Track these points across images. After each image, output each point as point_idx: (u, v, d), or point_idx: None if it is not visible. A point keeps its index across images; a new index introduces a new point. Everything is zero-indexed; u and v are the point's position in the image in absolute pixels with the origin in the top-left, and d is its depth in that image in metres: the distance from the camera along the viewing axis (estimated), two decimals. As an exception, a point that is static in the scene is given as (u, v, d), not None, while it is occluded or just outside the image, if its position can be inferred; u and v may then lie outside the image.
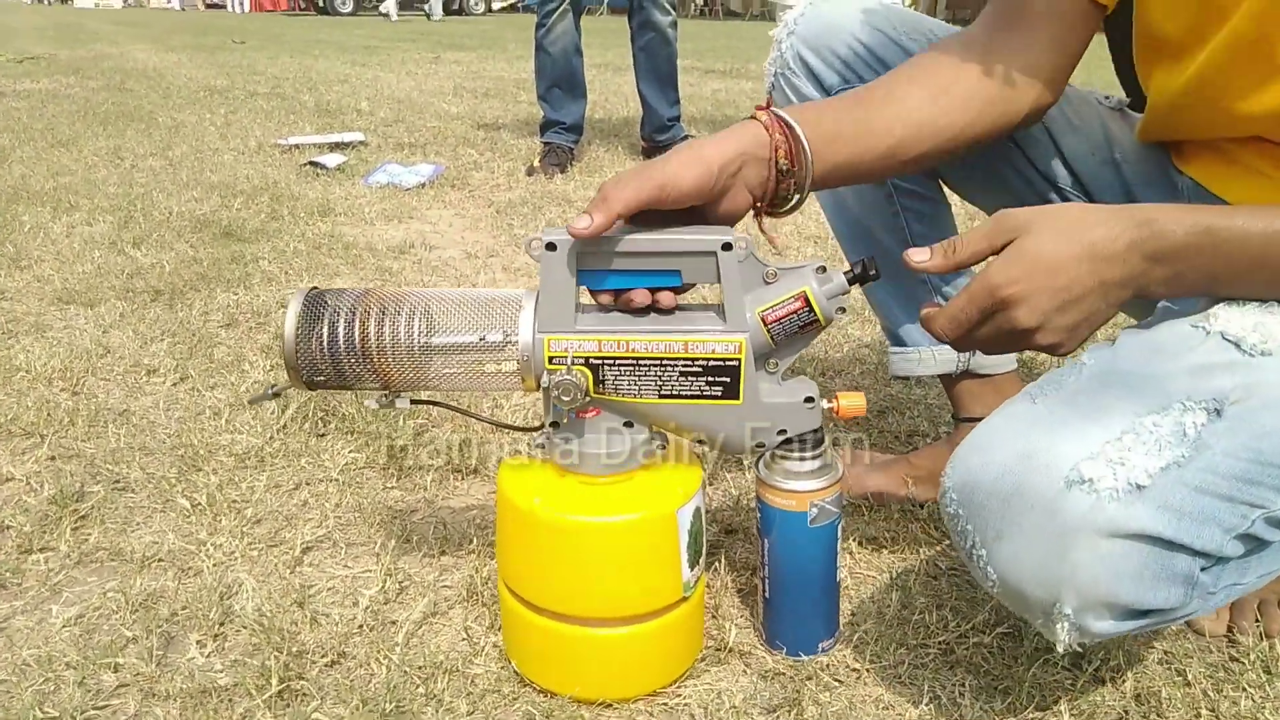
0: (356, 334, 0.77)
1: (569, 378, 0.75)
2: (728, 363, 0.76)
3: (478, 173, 3.14)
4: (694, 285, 0.79)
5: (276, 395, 0.85)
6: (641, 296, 0.76)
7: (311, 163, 3.19)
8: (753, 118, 0.79)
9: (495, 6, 17.40)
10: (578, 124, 3.21)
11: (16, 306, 1.83)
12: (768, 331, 0.76)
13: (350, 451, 1.31)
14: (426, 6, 17.49)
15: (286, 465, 1.27)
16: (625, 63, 7.46)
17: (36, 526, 1.10)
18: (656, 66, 3.29)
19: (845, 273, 0.76)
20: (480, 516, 1.15)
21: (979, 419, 1.14)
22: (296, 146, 3.54)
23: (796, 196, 0.80)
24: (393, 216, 2.57)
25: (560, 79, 3.11)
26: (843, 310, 0.77)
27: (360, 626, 0.94)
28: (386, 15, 16.83)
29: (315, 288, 0.80)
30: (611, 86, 5.84)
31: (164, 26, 14.03)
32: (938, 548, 1.08)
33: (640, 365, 0.77)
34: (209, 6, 23.57)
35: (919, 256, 0.72)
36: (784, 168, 0.78)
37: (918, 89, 0.82)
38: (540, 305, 0.76)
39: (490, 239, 2.37)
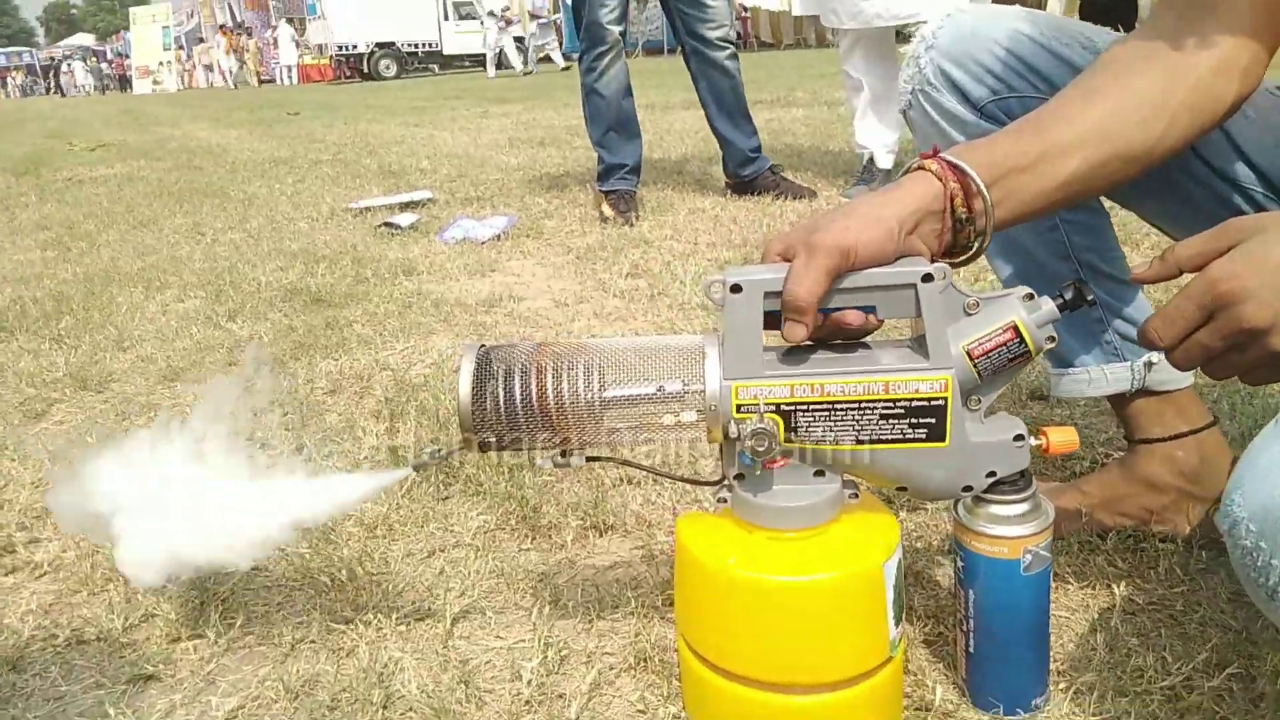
0: (533, 391, 0.73)
1: (763, 426, 0.70)
2: (933, 402, 0.70)
3: (549, 221, 3.14)
4: (882, 323, 0.74)
5: (445, 459, 0.81)
6: (855, 316, 0.71)
7: (386, 224, 3.23)
8: (920, 167, 0.74)
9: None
10: (638, 165, 3.18)
11: (126, 387, 1.85)
12: (974, 366, 0.70)
13: (479, 514, 1.27)
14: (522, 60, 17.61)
15: (417, 532, 1.24)
16: (667, 100, 7.54)
17: (181, 613, 1.08)
18: (724, 102, 3.24)
19: (1055, 299, 0.70)
20: (629, 575, 1.10)
21: (1160, 439, 1.07)
22: (368, 209, 3.58)
23: (978, 244, 0.75)
24: (475, 271, 2.57)
25: (616, 122, 3.08)
26: (1052, 340, 0.71)
27: (528, 702, 0.89)
28: (514, 69, 17.08)
29: (483, 344, 0.77)
30: (662, 125, 5.86)
31: (219, 105, 14.57)
32: (1132, 582, 1.00)
33: (836, 409, 0.71)
34: (262, 82, 24.47)
35: (1139, 270, 0.66)
36: (962, 216, 0.72)
37: (1099, 104, 0.76)
38: (726, 351, 0.71)
39: (577, 286, 2.35)
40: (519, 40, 17.82)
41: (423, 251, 2.82)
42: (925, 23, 1.03)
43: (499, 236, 2.94)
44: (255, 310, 2.29)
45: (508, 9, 17.90)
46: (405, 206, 3.57)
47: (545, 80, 14.46)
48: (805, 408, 0.71)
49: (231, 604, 1.10)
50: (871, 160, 3.06)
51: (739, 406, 0.72)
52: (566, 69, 16.39)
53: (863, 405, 0.71)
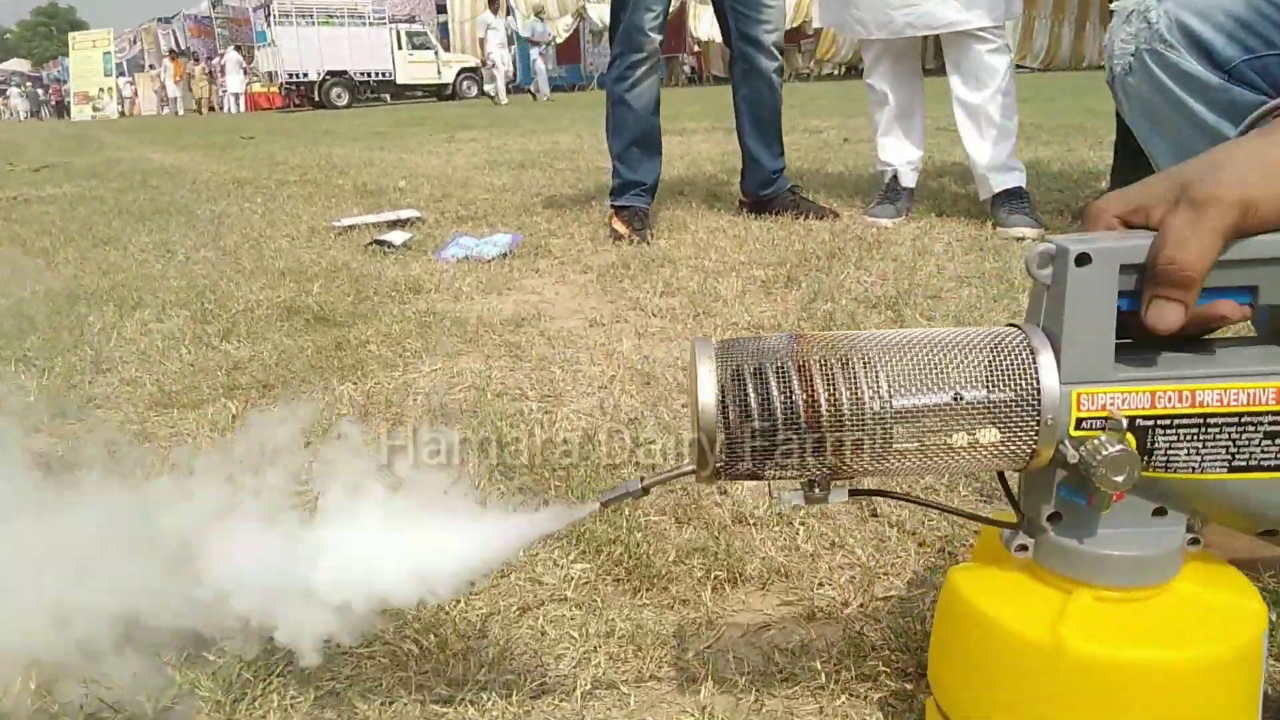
0: (800, 398, 0.54)
1: (1123, 449, 0.52)
2: (1344, 415, 0.53)
3: (556, 239, 2.95)
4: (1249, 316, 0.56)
5: (645, 492, 0.62)
6: (1231, 308, 0.53)
7: (376, 241, 3.00)
8: None
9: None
10: (655, 185, 2.99)
11: (114, 414, 1.60)
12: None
13: (570, 561, 1.06)
14: (532, 87, 17.39)
15: (499, 584, 1.03)
16: (670, 124, 7.40)
17: (227, 689, 0.85)
18: (761, 116, 3.05)
19: None
20: (789, 639, 0.90)
21: None
22: (353, 227, 3.35)
23: None
24: (489, 289, 2.36)
25: (640, 137, 2.89)
26: None
27: (717, 811, 0.69)
28: (494, 98, 16.76)
29: (722, 341, 0.58)
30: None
31: (167, 129, 14.10)
32: None
33: (1209, 425, 0.53)
34: (210, 109, 23.86)
35: None
36: None
37: None
38: (1066, 345, 0.53)
39: (608, 305, 2.16)
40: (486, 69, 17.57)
41: (425, 270, 2.60)
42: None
43: (505, 255, 2.74)
44: (251, 330, 2.05)
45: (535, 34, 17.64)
46: (394, 224, 3.35)
47: (506, 110, 14.31)
48: (1169, 423, 0.53)
49: (288, 678, 0.88)
50: (895, 178, 2.93)
51: (1079, 421, 0.53)
52: (550, 100, 16.20)
53: (1244, 420, 0.53)
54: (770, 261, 2.42)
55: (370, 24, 22.54)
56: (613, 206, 2.96)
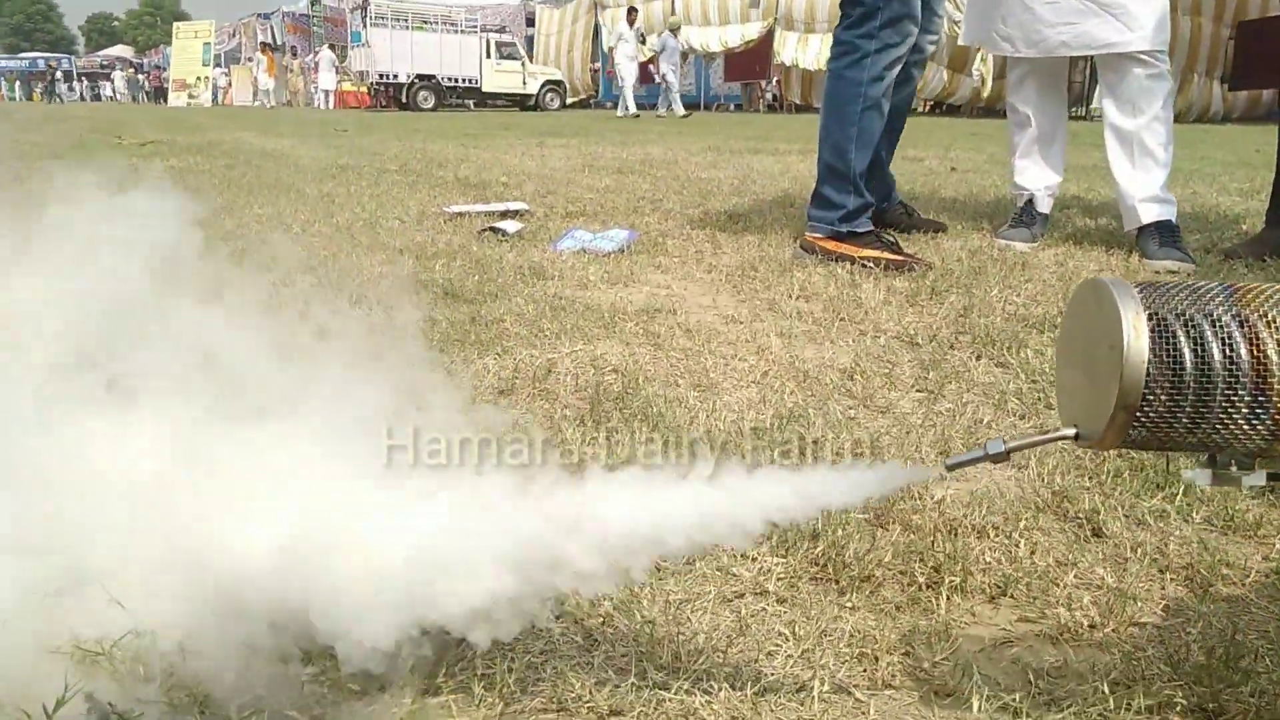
0: (1244, 357, 0.45)
1: None
2: None
3: (673, 240, 2.88)
4: None
5: (1006, 458, 0.53)
6: None
7: (491, 229, 2.97)
8: None
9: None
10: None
11: (256, 367, 1.56)
12: None
13: (767, 554, 0.98)
14: (664, 106, 16.83)
15: (687, 572, 0.95)
16: (728, 144, 7.22)
17: (414, 680, 0.78)
18: (898, 125, 2.90)
19: None
20: (1031, 658, 0.80)
21: None
22: (462, 215, 3.33)
23: None
24: (615, 280, 2.30)
25: (875, 153, 2.59)
26: None
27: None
28: (623, 110, 16.46)
29: (1142, 283, 0.49)
30: (740, 166, 5.64)
31: (261, 118, 14.50)
32: None
33: None
34: (286, 104, 24.52)
35: None
36: None
37: None
38: None
39: (740, 304, 2.08)
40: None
41: (545, 258, 2.55)
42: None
43: (622, 250, 2.68)
44: (381, 300, 2.02)
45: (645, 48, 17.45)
46: (504, 215, 3.32)
47: (591, 121, 14.40)
48: None
49: (473, 663, 0.80)
50: (1031, 202, 2.81)
51: None
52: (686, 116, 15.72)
53: None
54: (908, 274, 2.32)
55: (462, 31, 22.96)
56: (847, 231, 2.48)
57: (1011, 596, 0.91)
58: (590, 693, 0.75)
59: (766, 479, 0.64)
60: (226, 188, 4.21)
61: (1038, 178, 2.82)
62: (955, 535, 1.00)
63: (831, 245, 2.47)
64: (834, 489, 0.61)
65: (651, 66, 17.26)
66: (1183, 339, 0.46)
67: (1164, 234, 2.52)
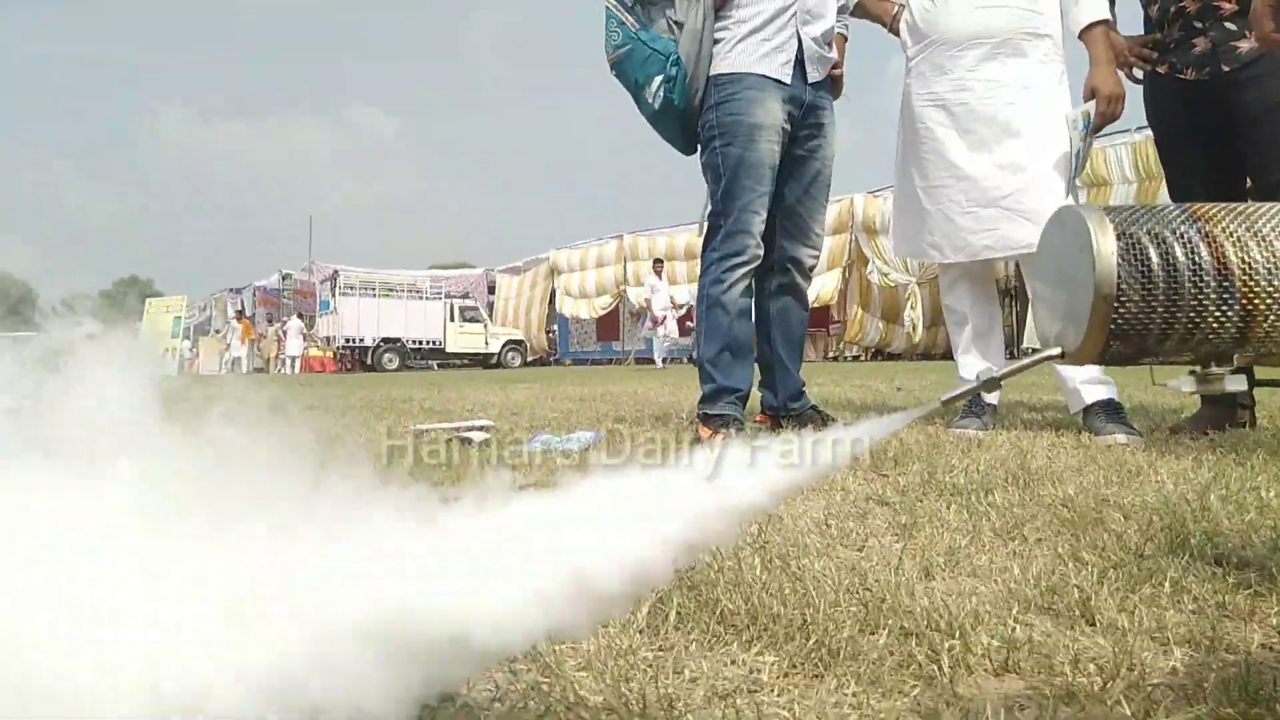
0: (1208, 263, 0.49)
1: None
2: None
3: (635, 442, 2.92)
4: None
5: (997, 385, 0.55)
6: None
7: (458, 438, 2.99)
8: None
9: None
10: (747, 395, 2.95)
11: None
12: None
13: (759, 655, 0.93)
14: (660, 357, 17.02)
15: (667, 676, 0.90)
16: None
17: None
18: (792, 331, 3.11)
19: None
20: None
21: None
22: (428, 430, 3.36)
23: None
24: (581, 469, 2.31)
25: (733, 342, 2.88)
26: None
27: None
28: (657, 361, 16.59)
29: (1107, 206, 0.54)
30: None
31: (224, 382, 14.71)
32: None
33: None
34: (257, 370, 25.08)
35: None
36: None
37: None
38: None
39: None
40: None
41: (511, 456, 2.56)
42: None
43: (586, 449, 2.71)
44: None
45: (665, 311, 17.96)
46: (471, 429, 3.36)
47: (551, 373, 14.87)
48: None
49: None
50: (978, 395, 2.93)
51: None
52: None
53: None
54: (868, 452, 2.36)
55: (427, 298, 24.19)
56: (702, 415, 2.88)
57: (1015, 671, 0.87)
58: (701, 664, 0.69)
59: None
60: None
61: (981, 370, 2.96)
62: (948, 622, 0.97)
63: (699, 429, 2.87)
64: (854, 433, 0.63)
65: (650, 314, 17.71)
66: (1148, 244, 0.50)
67: (1109, 412, 2.63)
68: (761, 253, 2.89)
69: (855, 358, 20.58)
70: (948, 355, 17.46)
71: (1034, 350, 0.60)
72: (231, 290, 34.69)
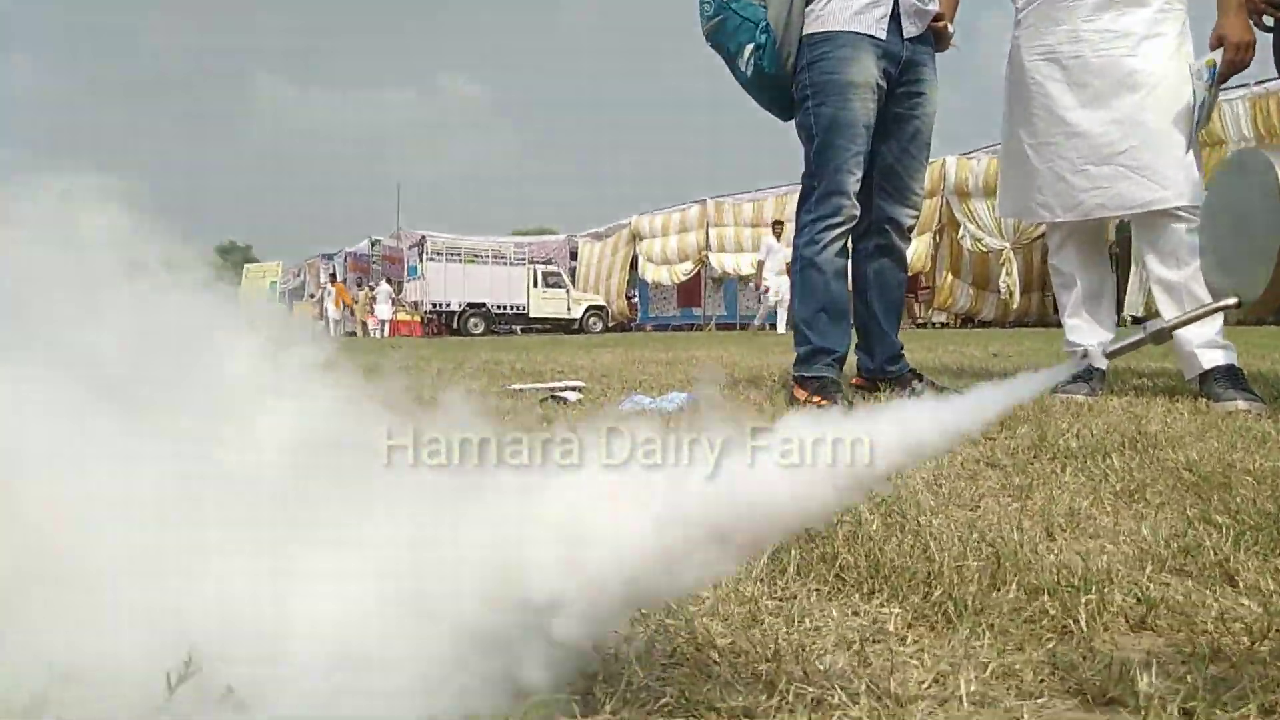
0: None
1: None
2: None
3: (729, 403, 2.92)
4: None
5: (1162, 338, 0.54)
6: None
7: (552, 397, 3.05)
8: None
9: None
10: (844, 356, 2.90)
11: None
12: None
13: (881, 606, 0.94)
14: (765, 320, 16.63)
15: (794, 626, 0.91)
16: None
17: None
18: (889, 293, 3.05)
19: None
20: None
21: None
22: (522, 390, 3.43)
23: None
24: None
25: (829, 302, 2.85)
26: None
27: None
28: (766, 325, 16.21)
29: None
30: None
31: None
32: None
33: None
34: (348, 334, 25.92)
35: None
36: None
37: None
38: None
39: (810, 440, 2.08)
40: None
41: (613, 416, 2.60)
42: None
43: (682, 410, 2.72)
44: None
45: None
46: (564, 389, 3.41)
47: (632, 337, 14.94)
48: None
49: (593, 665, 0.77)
50: (1085, 358, 2.83)
51: None
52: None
53: None
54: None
55: (511, 264, 24.52)
56: (797, 376, 2.86)
57: (1153, 628, 0.85)
58: (721, 693, 0.71)
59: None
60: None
61: (1090, 334, 2.87)
62: (1081, 578, 0.95)
63: (794, 390, 2.86)
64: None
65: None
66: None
67: (1229, 378, 2.52)
68: (857, 213, 2.84)
69: (943, 325, 20.09)
70: (1041, 323, 16.89)
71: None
72: (324, 256, 35.78)
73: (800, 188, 2.96)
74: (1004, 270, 16.52)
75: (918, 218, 3.02)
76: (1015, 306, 16.86)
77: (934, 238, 17.00)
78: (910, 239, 3.08)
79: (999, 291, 17.50)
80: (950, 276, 17.72)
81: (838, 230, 2.80)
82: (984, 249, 16.42)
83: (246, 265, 37.69)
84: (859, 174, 2.79)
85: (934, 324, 19.48)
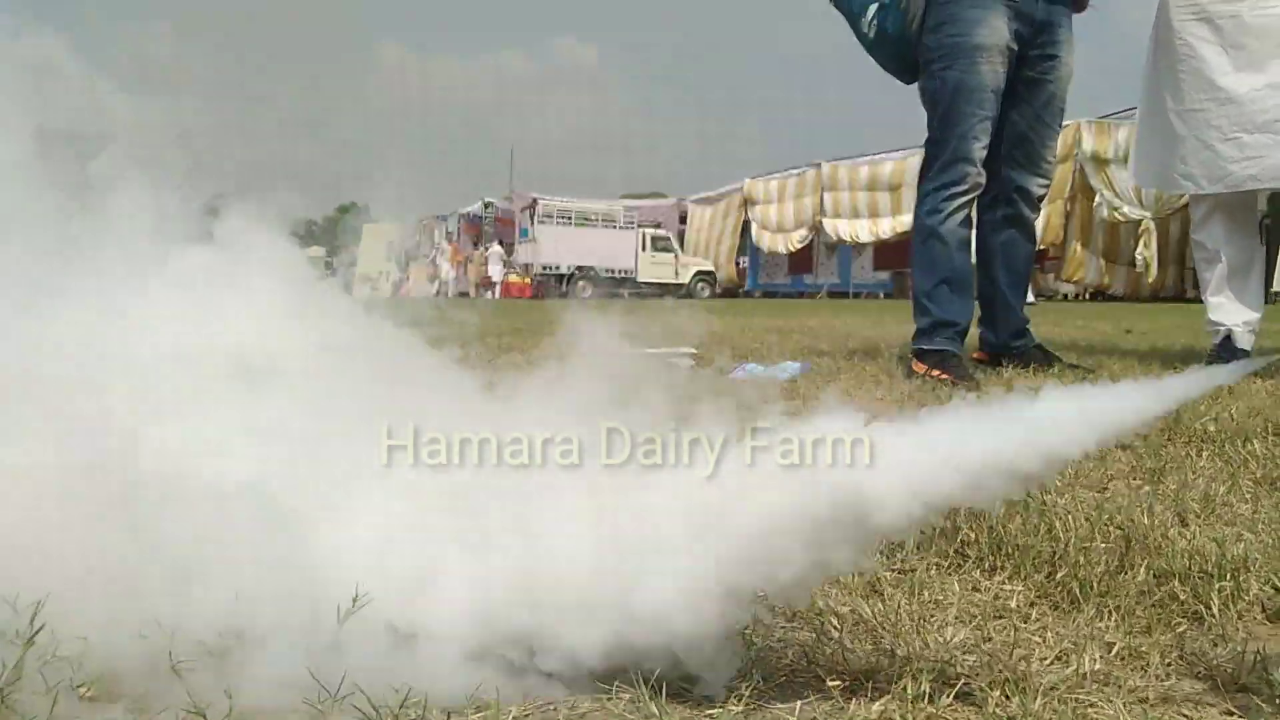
0: None
1: None
2: None
3: (845, 374, 2.91)
4: None
5: None
6: None
7: (665, 364, 3.09)
8: None
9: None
10: (966, 329, 2.81)
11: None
12: None
13: (1005, 583, 0.94)
14: None
15: (914, 597, 0.92)
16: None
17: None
18: (1016, 264, 2.96)
19: None
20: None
21: None
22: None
23: None
24: (793, 397, 2.35)
25: (952, 274, 2.77)
26: None
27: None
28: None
29: None
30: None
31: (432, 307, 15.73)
32: None
33: None
34: (461, 294, 26.64)
35: None
36: None
37: None
38: None
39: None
40: None
41: (722, 384, 2.63)
42: None
43: (795, 380, 2.73)
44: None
45: None
46: (675, 355, 3.45)
47: (741, 304, 14.86)
48: None
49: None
50: (1229, 338, 2.69)
51: None
52: None
53: None
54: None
55: (620, 227, 24.67)
56: (917, 350, 2.78)
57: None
58: (843, 657, 0.74)
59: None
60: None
61: (1234, 313, 2.71)
62: (1216, 565, 0.93)
63: (913, 364, 2.77)
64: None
65: None
66: None
67: (1390, 363, 2.35)
68: (983, 181, 2.74)
69: (1067, 297, 19.17)
70: (1177, 298, 15.89)
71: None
72: (438, 217, 36.80)
73: (923, 154, 2.88)
74: (1141, 242, 15.62)
75: (1048, 187, 2.91)
76: (1150, 280, 15.94)
77: (1066, 205, 16.19)
78: (1040, 209, 2.97)
79: (1132, 264, 16.57)
80: (1079, 247, 16.86)
81: (962, 199, 2.72)
82: (1121, 218, 15.53)
83: (365, 225, 39.05)
84: (985, 141, 2.69)
85: (1059, 296, 18.62)
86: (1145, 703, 0.69)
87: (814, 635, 0.81)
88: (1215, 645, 0.77)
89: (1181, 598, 0.86)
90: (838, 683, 0.70)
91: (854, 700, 0.67)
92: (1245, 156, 2.55)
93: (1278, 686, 0.66)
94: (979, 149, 2.69)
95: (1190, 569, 0.91)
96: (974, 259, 2.93)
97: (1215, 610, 0.83)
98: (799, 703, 0.68)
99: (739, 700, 0.67)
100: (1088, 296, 18.73)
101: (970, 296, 2.83)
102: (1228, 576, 0.87)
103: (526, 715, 0.68)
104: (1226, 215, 2.72)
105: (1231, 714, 0.67)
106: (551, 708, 0.69)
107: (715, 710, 0.67)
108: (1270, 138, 2.50)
